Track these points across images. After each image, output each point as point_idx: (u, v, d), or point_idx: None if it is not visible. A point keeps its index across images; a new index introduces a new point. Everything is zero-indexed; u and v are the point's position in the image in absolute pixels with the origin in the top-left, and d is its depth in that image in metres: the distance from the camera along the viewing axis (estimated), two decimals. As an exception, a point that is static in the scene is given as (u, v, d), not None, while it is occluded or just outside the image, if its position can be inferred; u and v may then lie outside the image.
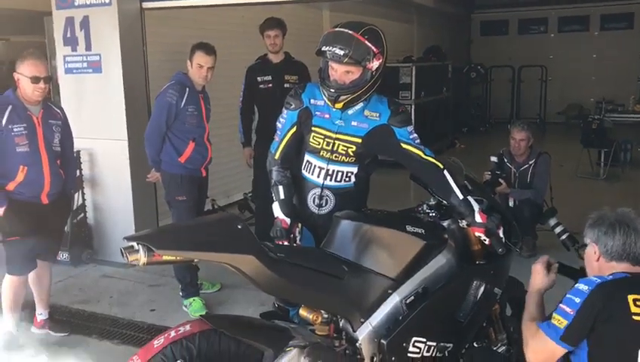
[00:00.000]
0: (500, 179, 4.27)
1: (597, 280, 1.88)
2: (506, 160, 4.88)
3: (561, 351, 1.88)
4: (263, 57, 4.67)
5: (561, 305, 1.89)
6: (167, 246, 1.82)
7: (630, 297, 1.83)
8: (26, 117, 3.37)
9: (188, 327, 2.00)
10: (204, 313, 3.80)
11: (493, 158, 4.68)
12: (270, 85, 4.56)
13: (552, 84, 12.66)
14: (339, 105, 2.41)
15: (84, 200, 4.84)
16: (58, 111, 3.58)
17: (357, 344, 2.20)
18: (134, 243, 1.81)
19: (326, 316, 2.22)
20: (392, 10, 9.24)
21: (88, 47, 4.63)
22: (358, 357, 2.20)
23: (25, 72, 3.32)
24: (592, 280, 1.89)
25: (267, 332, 2.15)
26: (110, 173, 4.77)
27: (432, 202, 2.58)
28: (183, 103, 3.81)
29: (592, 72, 12.65)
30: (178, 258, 1.86)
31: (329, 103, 2.44)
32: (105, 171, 4.80)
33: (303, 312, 2.22)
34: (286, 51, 4.65)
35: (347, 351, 2.19)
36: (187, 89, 3.84)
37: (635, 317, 1.81)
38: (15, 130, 3.32)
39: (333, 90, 2.37)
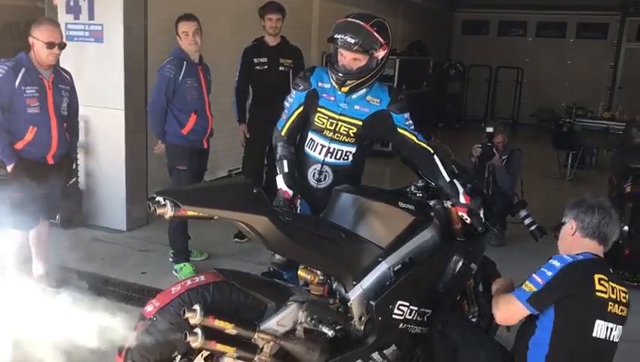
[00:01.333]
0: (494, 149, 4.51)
1: (569, 259, 2.19)
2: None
3: (524, 311, 2.19)
4: (260, 39, 4.85)
5: (534, 275, 2.20)
6: (192, 202, 2.04)
7: (596, 276, 2.16)
8: (37, 80, 3.52)
9: (203, 278, 2.23)
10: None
11: (489, 129, 4.83)
12: (265, 67, 4.75)
13: (527, 87, 13.09)
14: (345, 89, 2.66)
15: (77, 165, 4.98)
16: (67, 76, 3.75)
17: (348, 304, 2.46)
18: (161, 198, 2.03)
19: (322, 278, 2.48)
20: (380, 3, 9.50)
21: (91, 17, 4.76)
22: (349, 315, 2.47)
23: (41, 37, 3.47)
24: (565, 258, 2.20)
25: (271, 287, 2.40)
26: (104, 140, 4.92)
27: (420, 184, 2.85)
28: (181, 77, 3.97)
29: (565, 78, 13.11)
30: (200, 214, 2.08)
31: (336, 87, 2.68)
32: (99, 139, 4.94)
33: (301, 273, 2.47)
34: (282, 35, 4.84)
35: (339, 309, 2.46)
36: (184, 62, 4.00)
37: (598, 294, 2.15)
38: (27, 91, 3.48)
39: (341, 75, 2.62)
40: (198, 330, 2.03)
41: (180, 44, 4.06)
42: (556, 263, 2.20)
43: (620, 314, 2.21)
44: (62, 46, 3.58)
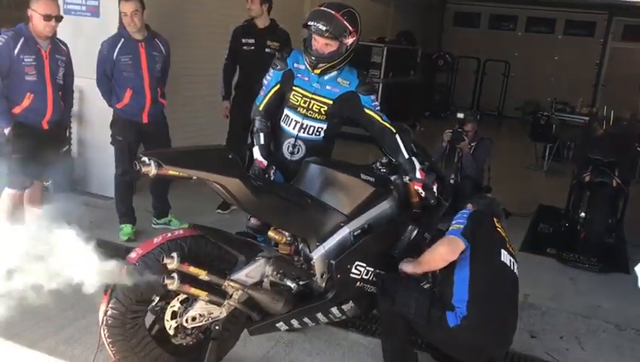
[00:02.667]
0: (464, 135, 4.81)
1: (472, 209, 2.90)
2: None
3: (461, 244, 2.65)
4: (250, 20, 5.08)
5: (454, 222, 2.76)
6: (173, 163, 2.32)
7: (495, 219, 2.85)
8: (35, 50, 3.76)
9: (181, 231, 2.52)
10: (129, 238, 4.36)
11: (460, 115, 5.08)
12: (252, 48, 4.98)
13: (514, 80, 13.37)
14: (317, 71, 2.94)
15: (70, 133, 5.23)
16: (64, 47, 3.99)
17: (311, 262, 2.75)
18: (146, 158, 2.30)
19: (289, 238, 2.77)
20: (373, -8, 9.72)
21: (88, -8, 4.99)
22: (311, 272, 2.76)
23: (38, 10, 3.71)
24: (468, 210, 2.87)
25: (242, 243, 2.69)
26: (97, 111, 5.15)
27: (384, 161, 3.14)
28: (115, 54, 4.17)
29: (551, 73, 13.40)
30: (180, 174, 2.35)
31: (309, 68, 2.96)
32: (92, 109, 5.18)
33: (271, 233, 2.76)
34: (272, 18, 5.09)
35: (303, 266, 2.76)
36: (122, 39, 4.20)
37: (498, 230, 2.82)
38: (25, 60, 3.72)
39: (314, 58, 2.89)
40: (174, 275, 2.32)
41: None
42: (464, 212, 2.83)
43: (513, 252, 2.84)
44: (58, 19, 3.82)
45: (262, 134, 3.08)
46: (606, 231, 4.83)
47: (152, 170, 2.27)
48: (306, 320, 2.80)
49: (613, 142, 4.97)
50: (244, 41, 5.01)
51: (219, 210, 5.12)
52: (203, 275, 2.40)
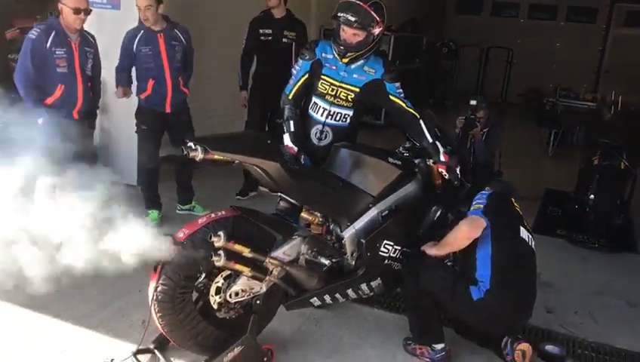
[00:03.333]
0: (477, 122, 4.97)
1: (491, 190, 3.04)
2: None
3: (482, 222, 2.84)
4: (267, 11, 5.20)
5: (474, 203, 2.94)
6: (218, 148, 2.47)
7: (511, 198, 3.06)
8: (66, 42, 3.91)
9: (224, 213, 2.68)
10: (156, 222, 4.48)
11: (472, 102, 5.13)
12: (270, 38, 5.11)
13: (516, 67, 13.44)
14: (345, 60, 3.09)
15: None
16: (92, 40, 4.14)
17: (342, 241, 2.92)
18: (193, 144, 2.46)
19: (321, 219, 2.93)
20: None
21: (109, -15, 5.11)
22: (343, 250, 2.93)
23: (68, 4, 3.85)
24: (487, 191, 3.03)
25: (279, 224, 2.85)
26: (119, 101, 5.30)
27: (407, 145, 3.30)
28: (135, 45, 4.33)
29: (554, 60, 13.50)
30: (224, 158, 2.51)
31: (337, 57, 3.11)
32: (114, 99, 5.31)
33: (304, 214, 2.92)
34: (288, 8, 5.21)
35: (335, 245, 2.92)
36: (141, 31, 4.34)
37: (516, 209, 3.05)
38: (57, 52, 3.87)
39: (342, 48, 3.04)
40: (221, 252, 2.48)
41: None
42: (483, 193, 3.01)
43: (529, 228, 3.05)
44: (87, 12, 3.96)
45: (291, 122, 3.23)
46: (614, 212, 5.00)
47: (199, 154, 2.43)
48: (337, 295, 2.97)
49: (622, 126, 5.12)
50: (261, 31, 5.14)
51: (238, 197, 5.28)
52: (246, 252, 2.56)
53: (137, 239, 2.48)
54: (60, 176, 4.02)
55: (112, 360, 2.69)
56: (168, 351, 2.79)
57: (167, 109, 4.46)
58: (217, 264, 2.50)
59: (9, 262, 2.87)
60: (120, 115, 5.30)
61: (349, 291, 2.99)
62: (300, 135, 3.25)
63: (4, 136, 4.06)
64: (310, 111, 3.29)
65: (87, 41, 4.08)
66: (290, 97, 3.28)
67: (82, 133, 4.14)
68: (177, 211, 4.87)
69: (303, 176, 2.76)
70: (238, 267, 2.56)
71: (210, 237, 2.47)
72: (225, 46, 5.90)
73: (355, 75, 3.15)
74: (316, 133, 3.29)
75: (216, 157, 2.47)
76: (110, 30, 5.11)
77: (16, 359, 2.72)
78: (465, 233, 2.88)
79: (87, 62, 4.06)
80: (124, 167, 5.37)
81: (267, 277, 2.67)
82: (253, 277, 2.63)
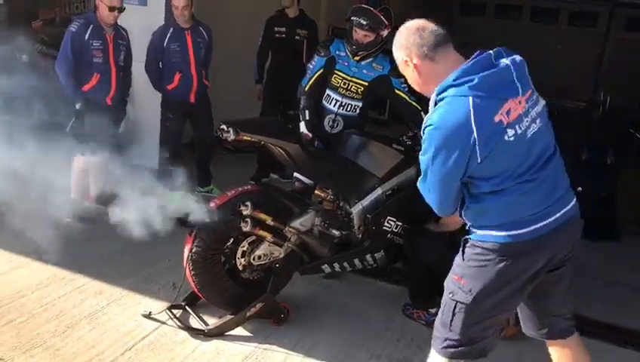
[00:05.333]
0: None
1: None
2: None
3: None
4: (282, 11, 5.62)
5: None
6: (247, 130, 2.89)
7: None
8: (102, 35, 4.32)
9: (249, 187, 3.11)
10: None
11: None
12: (284, 35, 5.52)
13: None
14: (357, 58, 3.51)
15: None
16: (125, 34, 4.54)
17: (351, 216, 3.33)
18: (225, 126, 2.87)
19: (332, 196, 3.34)
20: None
21: (137, -17, 5.51)
22: (351, 224, 3.34)
23: (105, 1, 4.26)
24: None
25: (297, 198, 3.27)
26: (144, 93, 5.68)
27: (410, 134, 3.70)
28: (166, 42, 4.74)
29: (554, 62, 13.83)
30: (252, 139, 2.92)
31: (350, 55, 3.52)
32: (139, 91, 5.70)
33: (317, 192, 3.33)
34: (301, 8, 5.62)
35: (344, 219, 3.33)
36: (171, 29, 4.76)
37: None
38: (94, 44, 4.28)
39: (354, 47, 3.46)
40: (248, 219, 2.90)
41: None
42: None
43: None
44: (121, 9, 4.37)
45: (307, 111, 3.65)
46: (599, 205, 5.40)
47: (231, 135, 2.84)
48: (345, 264, 3.38)
49: (609, 126, 5.53)
50: (276, 29, 5.54)
51: (252, 182, 5.68)
52: (269, 220, 2.97)
53: (180, 206, 2.90)
54: (97, 155, 4.47)
55: (150, 312, 3.10)
56: (197, 308, 3.21)
57: (192, 99, 4.88)
58: (244, 229, 2.91)
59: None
60: (144, 103, 5.69)
61: (356, 261, 3.40)
62: (314, 123, 3.66)
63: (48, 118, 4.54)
64: (324, 102, 3.70)
65: (121, 35, 4.49)
66: (306, 89, 3.69)
67: (115, 118, 4.58)
68: (196, 193, 5.28)
69: (319, 157, 3.17)
70: (262, 233, 2.97)
71: (239, 206, 2.89)
72: (237, 43, 6.32)
73: (364, 71, 3.57)
74: (329, 121, 3.70)
75: (245, 138, 2.89)
76: (136, 25, 5.51)
77: (63, 314, 3.12)
78: (458, 218, 3.22)
79: (120, 53, 4.47)
80: (146, 152, 5.80)
81: (286, 244, 3.08)
82: (274, 243, 3.05)
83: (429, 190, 2.06)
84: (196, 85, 4.85)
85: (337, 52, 3.59)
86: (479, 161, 1.90)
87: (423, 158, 1.99)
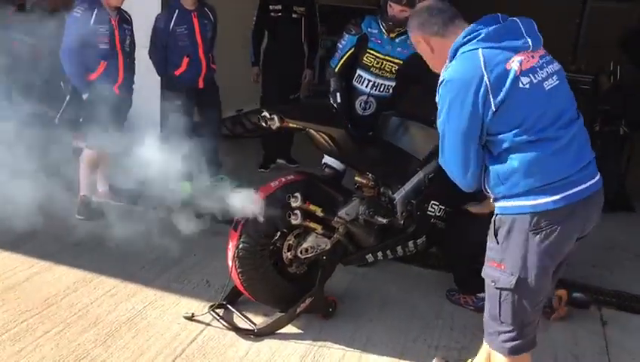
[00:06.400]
0: None
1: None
2: None
3: None
4: None
5: None
6: (292, 116, 2.70)
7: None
8: (107, 19, 4.05)
9: (292, 176, 2.93)
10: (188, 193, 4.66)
11: None
12: (280, 14, 5.24)
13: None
14: (392, 35, 3.34)
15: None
16: (128, 17, 4.28)
17: (394, 202, 3.18)
18: (267, 113, 2.68)
19: (373, 182, 3.19)
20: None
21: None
22: (394, 210, 3.19)
23: None
24: None
25: (340, 186, 3.11)
26: (142, 80, 5.40)
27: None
28: (172, 25, 4.44)
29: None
30: (297, 126, 2.74)
31: (384, 32, 3.35)
32: (138, 78, 5.44)
33: (357, 178, 3.17)
34: None
35: (388, 205, 3.19)
36: (176, 11, 4.47)
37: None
38: (100, 29, 4.02)
39: (391, 23, 3.28)
40: (297, 212, 2.73)
41: None
42: None
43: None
44: None
45: (338, 94, 3.47)
46: (618, 175, 5.36)
47: (275, 123, 2.65)
48: (387, 252, 3.24)
49: (621, 95, 5.46)
50: (271, 7, 5.27)
51: (261, 169, 5.51)
52: (319, 212, 2.81)
53: (222, 198, 2.72)
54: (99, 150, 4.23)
55: (193, 314, 2.92)
56: (238, 306, 3.05)
57: (201, 85, 4.63)
58: (294, 222, 2.74)
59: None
60: (144, 90, 5.41)
61: (399, 248, 3.26)
62: (346, 105, 3.49)
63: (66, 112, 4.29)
64: (355, 83, 3.52)
65: (125, 19, 4.22)
66: (336, 70, 3.51)
67: (123, 107, 4.34)
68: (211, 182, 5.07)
69: (362, 142, 3.00)
70: (312, 225, 2.81)
71: (288, 198, 2.71)
72: (234, 24, 6.06)
73: (399, 49, 3.40)
74: (361, 103, 3.53)
75: (290, 125, 2.70)
76: (136, 8, 5.22)
77: (99, 321, 2.92)
78: None
79: (126, 38, 4.21)
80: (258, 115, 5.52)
81: (334, 235, 2.92)
82: (323, 235, 2.88)
83: (449, 161, 2.05)
84: (205, 70, 4.61)
85: (369, 29, 3.41)
86: (494, 108, 1.88)
87: (440, 123, 2.00)
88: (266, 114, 2.68)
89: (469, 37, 1.95)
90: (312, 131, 2.83)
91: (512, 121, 1.91)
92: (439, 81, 1.98)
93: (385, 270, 3.68)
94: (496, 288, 2.04)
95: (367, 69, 3.46)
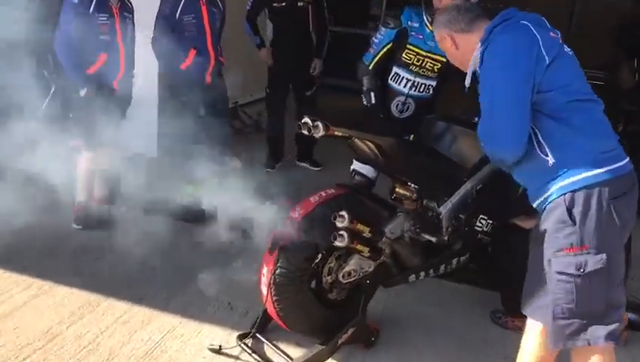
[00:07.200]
0: None
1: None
2: None
3: None
4: None
5: None
6: (338, 124, 2.35)
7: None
8: (107, 7, 3.64)
9: (333, 190, 2.58)
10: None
11: None
12: (284, 4, 4.81)
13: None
14: (439, 28, 2.98)
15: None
16: (130, 5, 3.86)
17: (440, 216, 2.86)
18: (309, 120, 2.32)
19: (416, 195, 2.86)
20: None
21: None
22: (440, 225, 2.87)
23: None
24: None
25: (383, 200, 2.77)
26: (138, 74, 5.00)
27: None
28: (178, 13, 3.99)
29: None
30: (343, 134, 2.39)
31: (428, 26, 2.99)
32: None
33: (399, 190, 2.83)
34: None
35: (434, 221, 2.86)
36: None
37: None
38: (100, 18, 3.60)
39: None
40: (343, 232, 2.38)
41: None
42: None
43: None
44: None
45: (372, 94, 3.13)
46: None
47: (320, 131, 2.30)
48: (431, 271, 2.93)
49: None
50: None
51: (268, 169, 5.15)
52: (367, 232, 2.47)
53: (254, 220, 2.37)
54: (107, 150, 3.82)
55: (220, 346, 2.58)
56: (267, 334, 2.71)
57: (208, 79, 4.23)
58: (339, 245, 2.40)
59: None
60: (139, 86, 5.01)
61: (442, 266, 2.95)
62: (381, 107, 3.15)
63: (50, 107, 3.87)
64: (391, 82, 3.18)
65: (126, 6, 3.81)
66: (370, 67, 3.16)
67: (124, 105, 3.95)
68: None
69: (411, 151, 2.67)
70: (359, 247, 2.46)
71: (334, 218, 2.37)
72: (236, 15, 5.66)
73: (442, 45, 3.05)
74: (397, 104, 3.19)
75: (336, 133, 2.35)
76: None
77: (114, 356, 2.56)
78: None
79: (127, 28, 3.80)
80: (145, 140, 5.13)
81: (381, 256, 2.59)
82: (370, 257, 2.55)
83: (499, 124, 1.98)
84: (213, 63, 4.21)
85: (410, 22, 3.06)
86: (547, 62, 1.93)
87: (487, 88, 2.00)
88: (308, 121, 2.32)
89: (505, 17, 2.03)
90: (356, 140, 2.49)
91: (562, 78, 1.96)
92: (482, 49, 2.02)
93: (416, 287, 3.34)
94: (586, 275, 1.91)
95: (405, 66, 3.11)
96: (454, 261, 2.97)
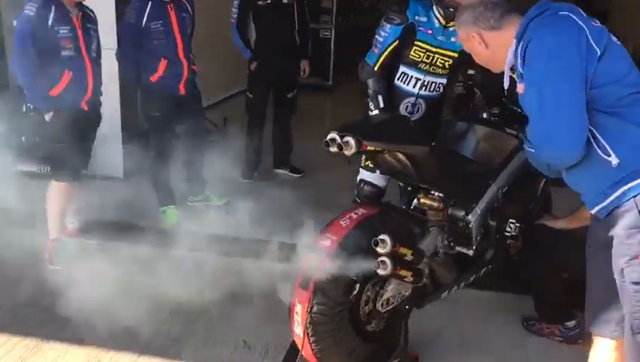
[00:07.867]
0: None
1: None
2: None
3: None
4: None
5: None
6: (371, 138, 2.07)
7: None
8: (68, 19, 3.24)
9: (363, 210, 2.31)
10: (176, 221, 3.95)
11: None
12: (268, 2, 4.56)
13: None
14: (452, 23, 2.74)
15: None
16: (93, 15, 3.46)
17: (470, 225, 2.63)
18: (337, 137, 2.04)
19: (442, 204, 2.62)
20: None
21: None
22: (470, 235, 2.65)
23: None
24: None
25: (413, 215, 2.52)
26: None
27: (496, 111, 3.04)
28: (145, 19, 3.66)
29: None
30: (376, 148, 2.12)
31: (442, 21, 2.76)
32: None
33: (424, 200, 2.58)
34: None
35: (466, 231, 2.63)
36: (149, 3, 3.65)
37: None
38: (61, 31, 3.19)
39: (452, 10, 2.69)
40: (386, 259, 2.11)
41: None
42: None
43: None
44: None
45: (380, 96, 2.88)
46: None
47: (352, 148, 2.03)
48: (462, 284, 2.71)
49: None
50: None
51: (246, 180, 4.82)
52: (409, 255, 2.21)
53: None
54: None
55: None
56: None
57: (182, 90, 3.86)
58: (382, 274, 2.13)
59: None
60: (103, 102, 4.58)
61: (472, 278, 2.74)
62: (390, 110, 2.90)
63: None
64: (398, 82, 2.93)
65: (89, 17, 3.40)
66: (375, 68, 2.90)
67: (93, 126, 3.55)
68: (189, 203, 4.32)
69: (443, 158, 2.43)
70: (403, 273, 2.20)
71: (375, 244, 2.10)
72: (211, 19, 5.30)
73: (453, 39, 2.82)
74: (407, 106, 2.95)
75: (369, 148, 2.08)
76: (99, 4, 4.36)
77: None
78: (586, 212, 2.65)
79: (92, 41, 3.39)
80: (110, 161, 4.72)
81: (422, 279, 2.34)
82: (412, 282, 2.29)
83: (550, 125, 1.79)
84: (186, 73, 3.84)
85: (417, 17, 2.81)
86: (599, 53, 1.78)
87: (536, 85, 1.81)
88: (334, 136, 2.04)
89: (542, 9, 1.87)
90: (389, 152, 2.22)
91: (617, 70, 1.82)
92: (523, 45, 1.84)
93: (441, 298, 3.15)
94: None
95: (414, 65, 2.87)
96: (483, 271, 2.76)
